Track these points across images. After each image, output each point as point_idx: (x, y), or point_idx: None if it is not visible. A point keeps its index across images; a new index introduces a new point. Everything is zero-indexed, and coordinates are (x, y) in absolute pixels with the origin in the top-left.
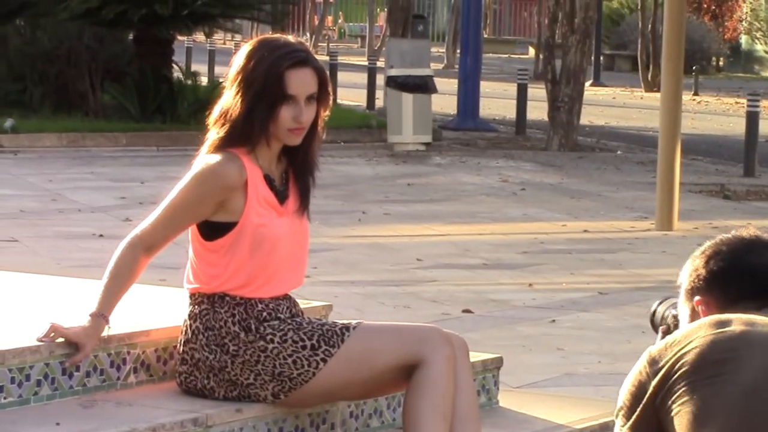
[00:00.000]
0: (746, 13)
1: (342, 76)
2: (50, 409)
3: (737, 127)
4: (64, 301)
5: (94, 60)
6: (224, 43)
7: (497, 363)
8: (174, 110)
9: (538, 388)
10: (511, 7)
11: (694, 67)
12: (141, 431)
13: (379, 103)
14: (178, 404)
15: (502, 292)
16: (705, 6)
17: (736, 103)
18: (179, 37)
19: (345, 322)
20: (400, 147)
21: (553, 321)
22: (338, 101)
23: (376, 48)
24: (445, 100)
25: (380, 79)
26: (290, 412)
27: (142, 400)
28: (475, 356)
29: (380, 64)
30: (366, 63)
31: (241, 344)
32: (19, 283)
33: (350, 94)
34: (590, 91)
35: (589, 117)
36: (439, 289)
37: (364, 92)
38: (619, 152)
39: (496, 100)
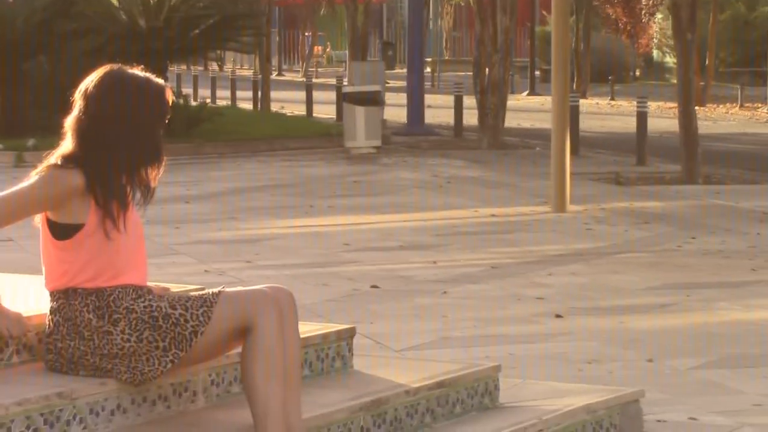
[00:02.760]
0: (656, 31)
1: (320, 95)
2: None
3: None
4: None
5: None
6: (205, 70)
7: (350, 333)
8: (169, 126)
9: (416, 350)
10: (469, 33)
11: (610, 77)
12: (6, 406)
13: None
14: (47, 380)
15: (410, 270)
16: (621, 27)
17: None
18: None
19: (203, 295)
20: (355, 151)
21: (445, 292)
22: (313, 114)
23: None
24: (401, 111)
25: None
26: (153, 383)
27: (19, 378)
28: (331, 327)
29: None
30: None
31: (94, 331)
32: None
33: (326, 109)
34: (526, 100)
35: (519, 120)
36: (357, 269)
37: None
38: (537, 149)
39: (447, 110)
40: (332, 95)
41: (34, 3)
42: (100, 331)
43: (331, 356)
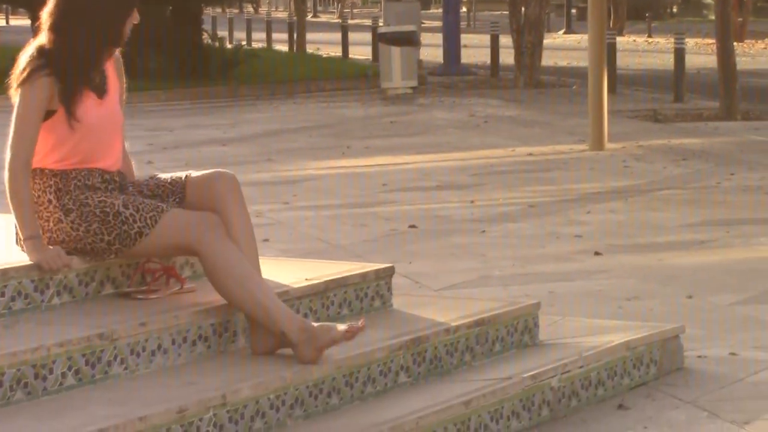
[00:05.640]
0: None
1: (355, 36)
2: None
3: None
4: None
5: (138, 31)
6: (240, 12)
7: (389, 272)
8: (205, 70)
9: (455, 289)
10: None
11: (647, 14)
12: (49, 347)
13: None
14: (89, 320)
15: (447, 209)
16: None
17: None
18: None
19: (157, 204)
20: (391, 91)
21: (483, 231)
22: (349, 56)
23: None
24: (437, 51)
25: None
26: (193, 323)
27: (60, 319)
28: (370, 267)
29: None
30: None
31: (50, 215)
32: None
33: (361, 50)
34: (562, 39)
35: (555, 59)
36: (395, 209)
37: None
38: (574, 87)
39: (484, 50)
40: (368, 36)
41: None
42: (53, 217)
43: (370, 296)
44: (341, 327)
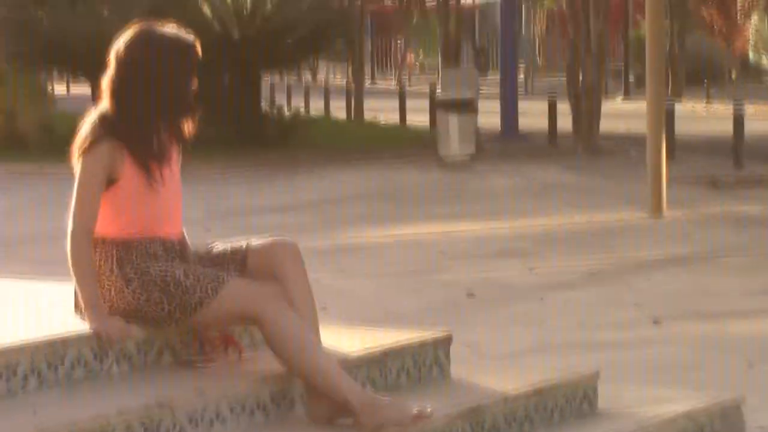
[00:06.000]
0: (752, 33)
1: (413, 103)
2: (34, 399)
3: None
4: None
5: (197, 97)
6: (299, 80)
7: (447, 340)
8: (263, 136)
9: (514, 357)
10: (562, 38)
11: (705, 80)
12: (108, 416)
13: None
14: (148, 389)
15: (506, 277)
16: (717, 29)
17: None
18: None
19: (218, 273)
20: (449, 158)
21: (542, 299)
22: (407, 122)
23: None
24: (495, 118)
25: None
26: (251, 392)
27: (120, 387)
28: (427, 335)
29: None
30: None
31: (112, 284)
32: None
33: (419, 116)
34: (621, 105)
35: (614, 125)
36: (453, 276)
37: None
38: (633, 153)
39: (541, 116)
40: (425, 103)
41: (128, 14)
42: (115, 287)
43: (428, 364)
44: (411, 411)
